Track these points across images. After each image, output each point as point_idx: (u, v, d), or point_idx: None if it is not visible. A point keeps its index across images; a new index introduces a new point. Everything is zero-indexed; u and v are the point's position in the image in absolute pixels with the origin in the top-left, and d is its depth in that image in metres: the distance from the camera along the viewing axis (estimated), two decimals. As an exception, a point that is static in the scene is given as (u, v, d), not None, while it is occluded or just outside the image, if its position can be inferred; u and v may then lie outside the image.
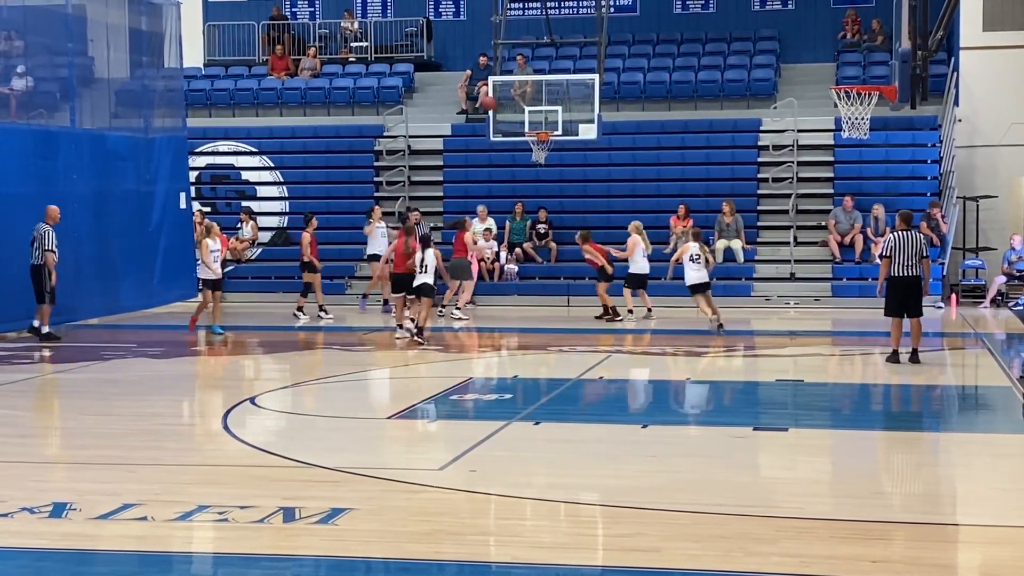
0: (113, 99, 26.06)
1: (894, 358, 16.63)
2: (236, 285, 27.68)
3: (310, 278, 24.28)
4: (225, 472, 11.50)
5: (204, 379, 17.27)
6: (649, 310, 23.66)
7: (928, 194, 28.18)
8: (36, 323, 19.61)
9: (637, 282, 23.51)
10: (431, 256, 19.55)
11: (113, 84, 26.13)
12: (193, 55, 30.34)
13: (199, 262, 20.68)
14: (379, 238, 25.55)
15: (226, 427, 13.48)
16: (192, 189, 28.11)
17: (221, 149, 30.73)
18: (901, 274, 16.56)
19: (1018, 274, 25.27)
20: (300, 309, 24.02)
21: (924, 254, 16.75)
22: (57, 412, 14.72)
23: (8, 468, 11.29)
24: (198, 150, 29.64)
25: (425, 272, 19.35)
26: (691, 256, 21.40)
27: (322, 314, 23.90)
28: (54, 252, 19.23)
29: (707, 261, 21.92)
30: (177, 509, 9.83)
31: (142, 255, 24.80)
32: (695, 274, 21.59)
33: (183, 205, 26.86)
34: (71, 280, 20.67)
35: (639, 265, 23.44)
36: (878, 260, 18.63)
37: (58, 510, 9.85)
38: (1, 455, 11.97)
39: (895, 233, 16.99)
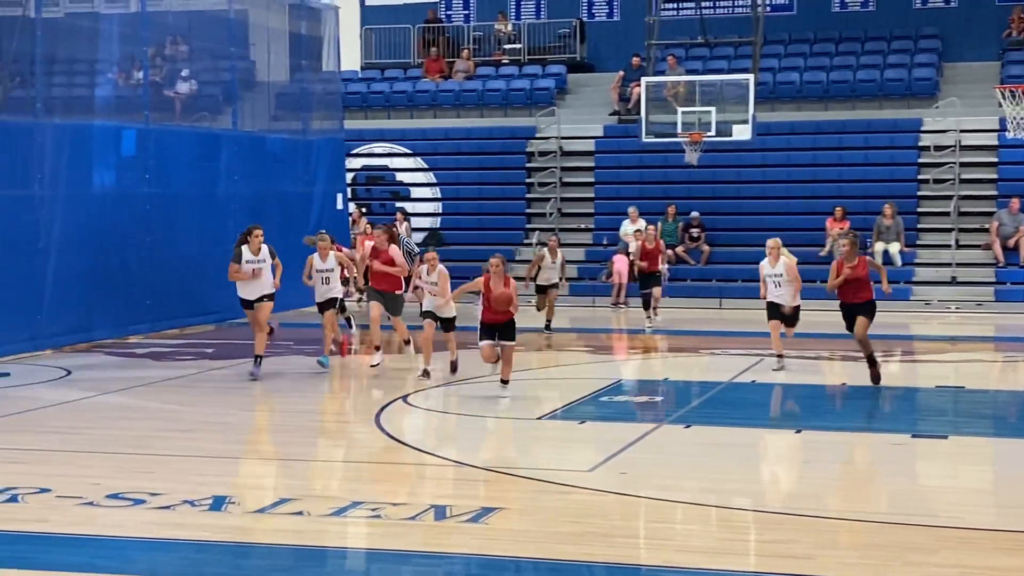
0: (273, 102, 26.51)
1: None
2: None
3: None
4: (378, 469, 11.68)
5: (358, 377, 17.48)
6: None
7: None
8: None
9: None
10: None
11: (273, 87, 26.58)
12: (351, 58, 30.78)
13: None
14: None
15: (379, 424, 13.64)
16: (348, 190, 28.44)
17: (376, 151, 31.13)
18: None
19: None
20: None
21: None
22: (217, 407, 14.98)
23: (171, 462, 11.57)
24: (354, 152, 30.08)
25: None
26: (771, 277, 17.18)
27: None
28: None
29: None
30: (331, 505, 10.00)
31: (302, 249, 25.18)
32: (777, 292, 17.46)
33: (340, 206, 27.24)
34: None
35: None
36: None
37: (218, 503, 10.08)
38: (165, 449, 12.26)
39: None
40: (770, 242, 17.05)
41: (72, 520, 9.74)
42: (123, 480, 10.80)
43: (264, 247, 16.55)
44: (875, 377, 15.31)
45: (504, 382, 14.80)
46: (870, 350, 15.30)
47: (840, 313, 15.77)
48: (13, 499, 10.19)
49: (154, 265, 18.88)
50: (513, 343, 14.79)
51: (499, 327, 14.63)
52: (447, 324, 16.44)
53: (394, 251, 17.48)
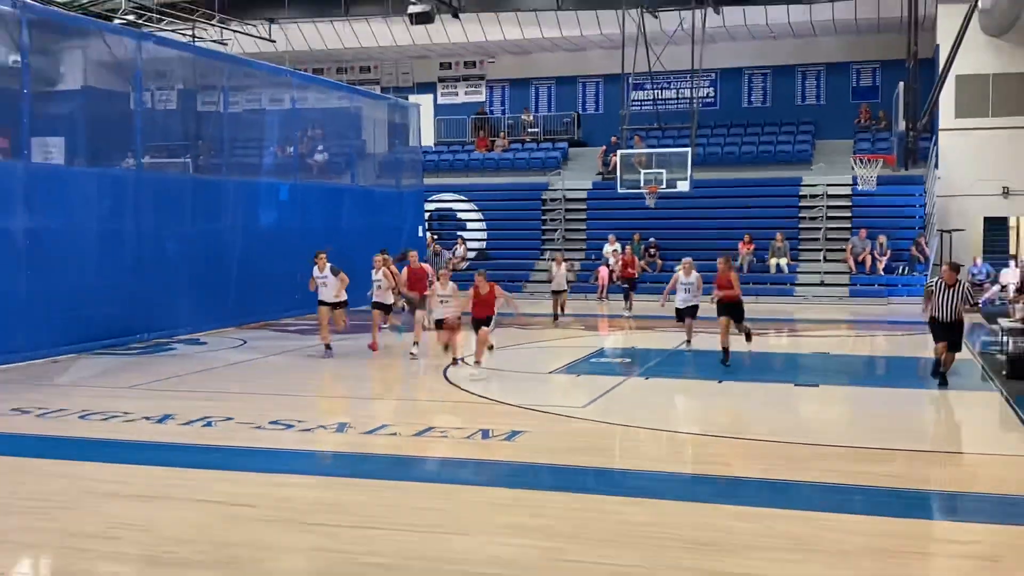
0: (377, 167, 26.67)
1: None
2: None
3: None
4: (444, 406, 11.82)
5: (433, 346, 17.59)
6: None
7: (916, 228, 27.50)
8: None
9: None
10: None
11: (377, 157, 26.77)
12: (428, 138, 30.83)
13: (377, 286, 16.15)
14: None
15: (446, 377, 13.75)
16: (425, 224, 28.59)
17: (445, 198, 31.26)
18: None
19: (978, 283, 24.51)
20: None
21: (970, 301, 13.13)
22: (338, 368, 15.11)
23: (311, 401, 11.65)
24: (430, 199, 30.15)
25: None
26: (684, 285, 16.22)
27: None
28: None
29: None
30: (415, 428, 10.16)
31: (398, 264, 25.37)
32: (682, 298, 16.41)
33: (420, 234, 27.39)
34: (366, 278, 21.02)
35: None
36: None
37: (341, 427, 10.22)
38: (306, 393, 12.38)
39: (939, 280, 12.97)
40: (685, 260, 16.31)
41: (247, 438, 9.91)
42: (280, 413, 10.97)
43: (328, 266, 15.42)
44: (748, 339, 15.23)
45: (477, 362, 13.57)
46: (746, 329, 15.10)
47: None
48: (208, 424, 10.38)
49: (299, 272, 19.08)
50: (488, 328, 13.72)
51: (482, 320, 13.62)
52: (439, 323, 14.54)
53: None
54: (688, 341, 16.39)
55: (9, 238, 14.50)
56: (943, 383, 12.53)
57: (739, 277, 15.78)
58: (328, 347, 15.42)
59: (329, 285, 15.29)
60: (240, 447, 9.46)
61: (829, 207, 28.69)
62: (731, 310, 14.62)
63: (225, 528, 6.96)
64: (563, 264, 22.11)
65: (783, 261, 27.20)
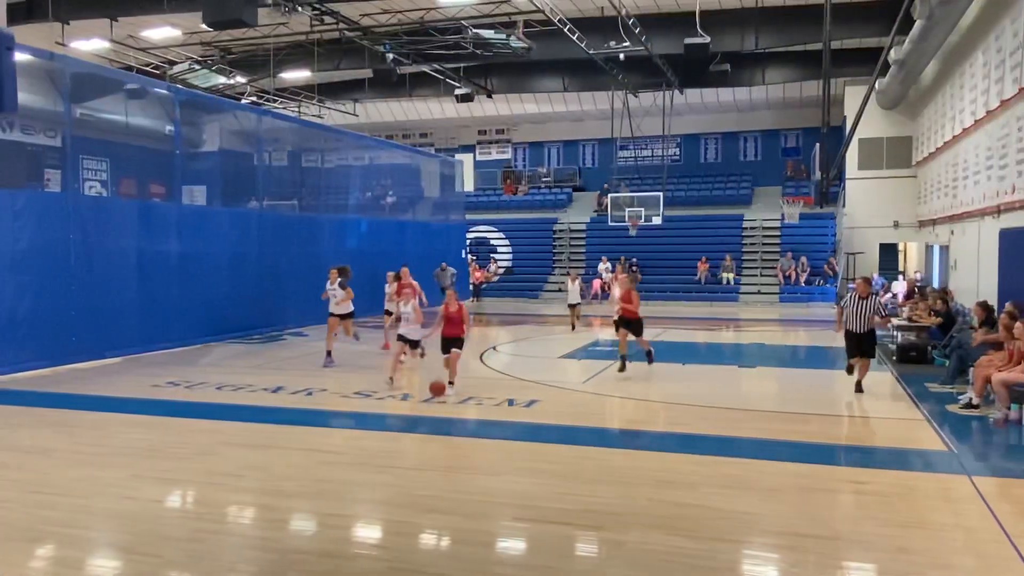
0: (431, 206, 26.76)
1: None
2: (487, 292, 28.17)
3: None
4: (480, 381, 11.77)
5: (474, 337, 17.56)
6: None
7: (828, 252, 27.21)
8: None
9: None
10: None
11: (431, 199, 26.82)
12: (469, 184, 30.86)
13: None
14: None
15: (481, 360, 13.75)
16: (467, 248, 28.62)
17: (481, 229, 31.27)
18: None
19: (875, 292, 24.24)
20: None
21: (881, 313, 10.69)
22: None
23: (381, 375, 11.57)
24: (471, 230, 30.19)
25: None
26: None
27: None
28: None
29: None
30: (457, 398, 10.13)
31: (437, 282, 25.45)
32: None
33: (463, 256, 27.42)
34: (431, 289, 20.83)
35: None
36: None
37: (404, 397, 10.24)
38: (380, 370, 12.36)
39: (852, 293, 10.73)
40: (620, 277, 13.71)
41: (337, 404, 9.95)
42: (360, 385, 11.00)
43: (338, 280, 13.02)
44: (649, 360, 12.32)
45: (451, 383, 10.22)
46: (647, 345, 12.29)
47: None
48: (308, 393, 10.42)
49: (374, 285, 19.12)
50: (459, 351, 10.39)
51: (452, 341, 10.34)
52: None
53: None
54: (624, 357, 12.32)
55: (166, 259, 14.68)
56: (859, 390, 10.39)
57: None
58: (329, 354, 12.93)
59: (339, 298, 12.99)
60: (332, 410, 9.52)
61: (764, 236, 28.44)
62: (629, 325, 12.07)
63: (320, 469, 7.02)
64: (577, 280, 19.26)
65: (731, 275, 26.97)
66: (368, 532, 5.67)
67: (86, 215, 13.05)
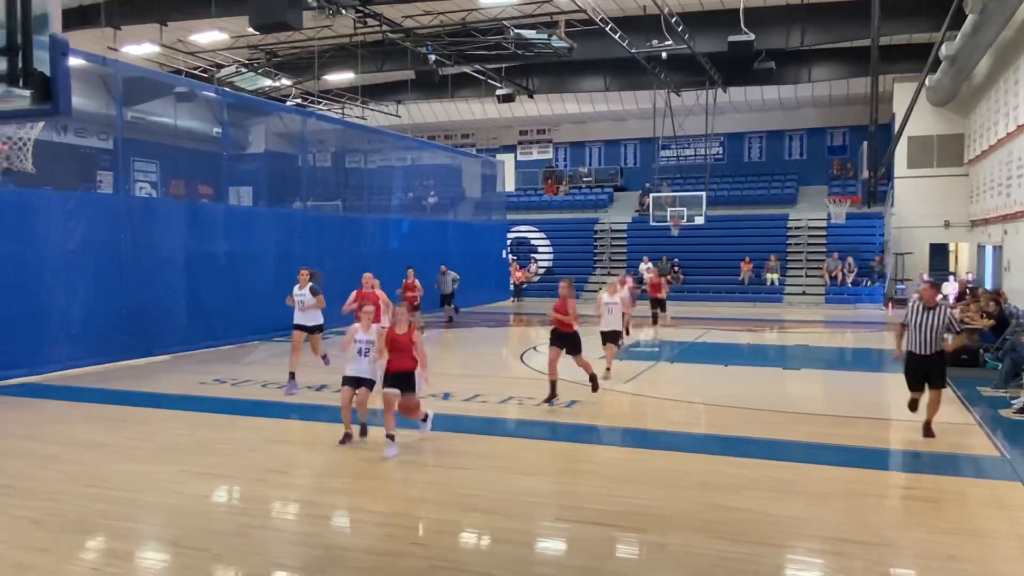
0: (473, 206, 26.85)
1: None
2: (527, 292, 28.15)
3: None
4: (524, 382, 11.76)
5: (514, 337, 17.61)
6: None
7: (877, 252, 26.62)
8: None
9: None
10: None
11: (472, 199, 26.92)
12: (510, 184, 30.90)
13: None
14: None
15: (522, 360, 13.75)
16: (508, 247, 28.64)
17: (522, 229, 31.20)
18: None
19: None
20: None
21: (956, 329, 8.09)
22: (460, 352, 15.19)
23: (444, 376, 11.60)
24: (512, 229, 30.17)
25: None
26: (607, 305, 11.40)
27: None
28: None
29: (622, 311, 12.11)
30: (499, 398, 10.14)
31: (487, 277, 25.44)
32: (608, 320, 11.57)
33: (503, 256, 27.47)
34: (472, 289, 20.71)
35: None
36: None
37: (446, 396, 10.26)
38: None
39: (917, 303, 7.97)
40: (613, 279, 12.15)
41: (377, 402, 10.01)
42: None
43: (308, 285, 10.67)
44: (593, 387, 9.86)
45: (390, 436, 7.30)
46: (590, 370, 9.78)
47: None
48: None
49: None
50: (413, 394, 7.48)
51: (401, 378, 7.38)
52: None
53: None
54: (607, 367, 11.31)
55: (213, 259, 14.95)
56: (929, 433, 7.90)
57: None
58: (293, 376, 10.47)
59: (306, 305, 10.55)
60: (373, 408, 9.60)
61: (810, 236, 27.94)
62: (563, 340, 9.67)
63: (364, 466, 7.08)
64: (625, 285, 14.08)
65: (775, 276, 26.59)
66: (410, 529, 5.70)
67: (136, 216, 13.36)
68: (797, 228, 28.27)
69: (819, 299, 25.69)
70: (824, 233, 27.81)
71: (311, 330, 10.75)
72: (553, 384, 9.64)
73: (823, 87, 28.21)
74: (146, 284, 13.35)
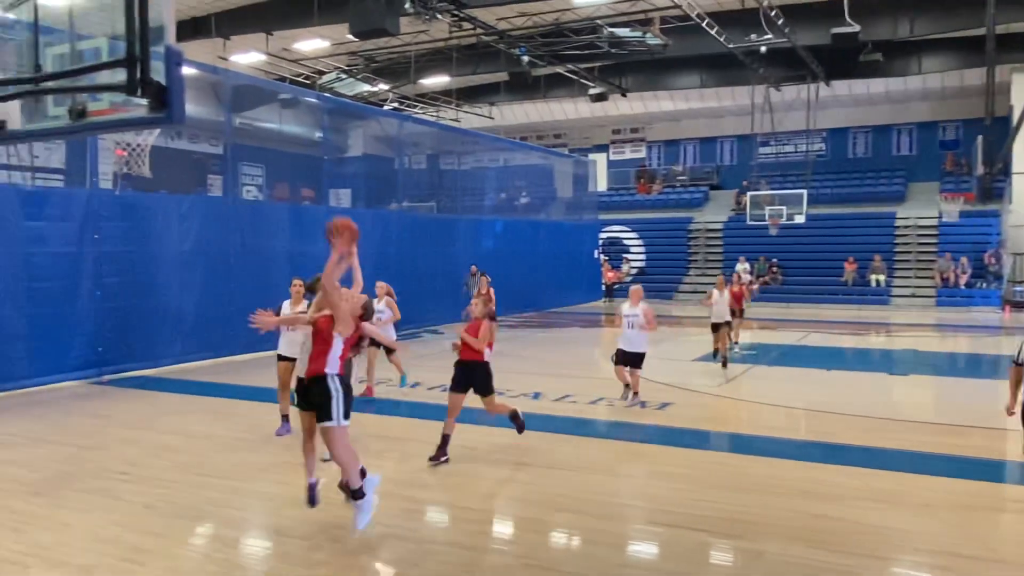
0: (565, 206, 26.83)
1: None
2: (619, 293, 27.87)
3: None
4: (615, 383, 11.67)
5: (606, 337, 17.46)
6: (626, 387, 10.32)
7: (988, 251, 25.12)
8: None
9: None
10: None
11: (564, 199, 26.90)
12: (602, 184, 30.71)
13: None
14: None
15: (612, 360, 13.61)
16: (600, 248, 28.48)
17: (614, 229, 31.00)
18: None
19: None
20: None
21: None
22: (541, 349, 15.21)
23: (518, 376, 11.66)
24: (603, 229, 30.01)
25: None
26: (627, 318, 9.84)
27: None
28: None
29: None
30: (587, 399, 10.11)
31: (578, 278, 25.37)
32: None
33: (595, 256, 27.34)
34: (564, 289, 20.68)
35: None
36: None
37: (536, 395, 10.28)
38: (517, 369, 12.51)
39: None
40: (633, 287, 10.15)
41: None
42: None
43: (303, 302, 8.43)
44: (518, 427, 7.60)
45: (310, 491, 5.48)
46: (507, 410, 7.57)
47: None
48: (444, 389, 10.51)
49: (507, 286, 19.24)
50: (328, 424, 5.20)
51: (312, 402, 5.33)
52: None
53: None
54: (627, 386, 9.86)
55: (315, 259, 15.35)
56: None
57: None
58: (286, 419, 8.24)
59: (297, 334, 7.78)
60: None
61: (919, 235, 26.67)
62: (470, 376, 7.32)
63: (454, 463, 7.17)
64: (726, 288, 13.37)
65: (881, 277, 25.52)
66: (501, 527, 5.75)
67: (244, 218, 13.97)
68: (905, 227, 27.02)
69: (929, 302, 24.49)
70: (935, 232, 26.50)
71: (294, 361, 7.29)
72: (445, 439, 7.08)
73: (934, 79, 26.81)
74: (252, 283, 13.93)
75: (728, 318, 13.09)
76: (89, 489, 6.32)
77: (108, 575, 4.77)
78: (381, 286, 9.72)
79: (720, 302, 13.12)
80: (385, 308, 9.78)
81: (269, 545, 5.35)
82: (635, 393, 9.71)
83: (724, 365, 12.63)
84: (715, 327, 13.08)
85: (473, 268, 17.96)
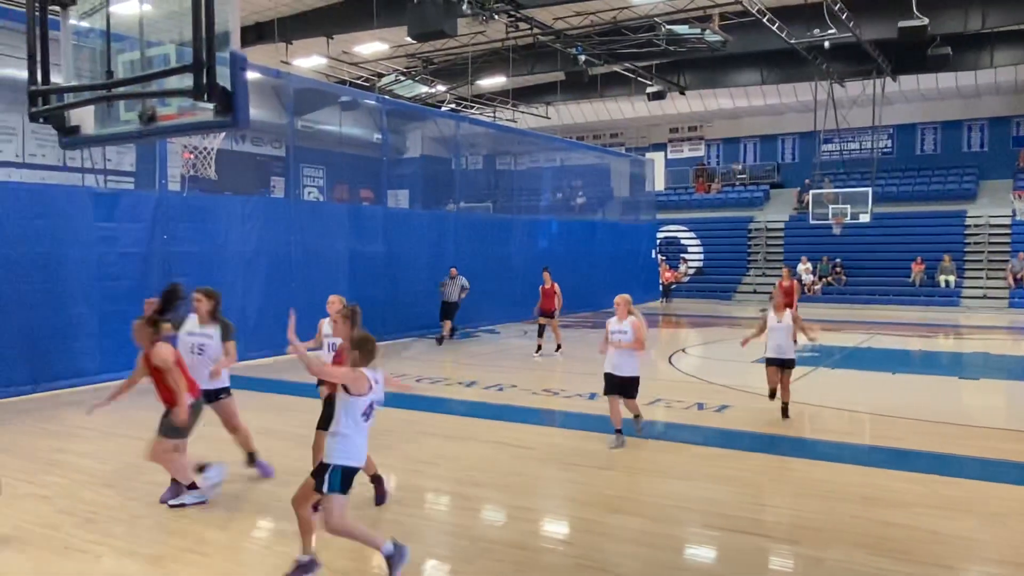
0: (621, 206, 26.65)
1: None
2: (677, 293, 27.58)
3: (545, 321, 14.24)
4: (671, 384, 11.55)
5: (663, 338, 17.30)
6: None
7: (1071, 251, 24.18)
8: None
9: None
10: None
11: (620, 198, 26.73)
12: (659, 183, 30.32)
13: None
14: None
15: (670, 362, 13.50)
16: (657, 248, 28.19)
17: (671, 229, 30.68)
18: None
19: None
20: (539, 348, 14.17)
21: None
22: (596, 348, 15.09)
23: (572, 376, 11.66)
24: (661, 229, 29.71)
25: None
26: (615, 334, 8.05)
27: (557, 354, 14.07)
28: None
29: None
30: (646, 400, 10.00)
31: (636, 278, 25.12)
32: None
33: (653, 256, 27.07)
34: (620, 289, 20.48)
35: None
36: None
37: (591, 395, 10.17)
38: (571, 369, 12.48)
39: None
40: (618, 298, 8.12)
41: (526, 399, 10.12)
42: (549, 383, 11.09)
43: (210, 320, 6.78)
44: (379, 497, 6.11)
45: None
46: (372, 470, 6.13)
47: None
48: (500, 388, 10.68)
49: (563, 278, 19.22)
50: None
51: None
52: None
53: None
54: (635, 416, 8.22)
55: (373, 259, 15.68)
56: None
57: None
58: (194, 486, 6.12)
59: (212, 358, 6.61)
60: (522, 406, 9.73)
61: (991, 234, 25.70)
62: (325, 415, 6.09)
63: (510, 462, 7.21)
64: (786, 312, 9.31)
65: (950, 278, 24.67)
66: (555, 527, 5.75)
67: (305, 219, 14.26)
68: (977, 226, 26.08)
69: (1002, 303, 23.58)
70: (1008, 231, 25.52)
71: (211, 397, 6.59)
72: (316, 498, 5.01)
73: (1007, 72, 25.79)
74: (312, 283, 14.21)
75: (793, 355, 9.10)
76: (158, 482, 6.53)
77: (175, 565, 4.92)
78: (334, 302, 6.88)
79: (778, 329, 9.05)
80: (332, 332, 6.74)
81: (328, 539, 5.45)
82: (636, 416, 8.12)
83: (785, 414, 8.97)
84: (774, 364, 9.02)
85: (453, 271, 16.18)
